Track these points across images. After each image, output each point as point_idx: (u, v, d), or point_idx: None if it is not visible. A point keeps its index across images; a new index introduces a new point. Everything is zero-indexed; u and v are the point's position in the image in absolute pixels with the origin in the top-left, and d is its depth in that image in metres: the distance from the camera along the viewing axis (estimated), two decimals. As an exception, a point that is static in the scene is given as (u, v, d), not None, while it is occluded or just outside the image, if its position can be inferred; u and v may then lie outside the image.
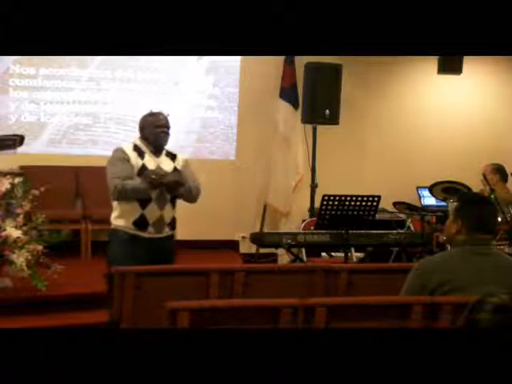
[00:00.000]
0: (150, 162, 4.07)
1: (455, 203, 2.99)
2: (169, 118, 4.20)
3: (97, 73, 6.89)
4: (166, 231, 4.07)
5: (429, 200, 7.05)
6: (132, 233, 4.01)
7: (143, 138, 4.14)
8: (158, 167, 4.06)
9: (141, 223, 3.98)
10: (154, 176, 3.92)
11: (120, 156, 4.06)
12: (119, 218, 4.07)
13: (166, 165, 4.11)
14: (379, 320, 2.78)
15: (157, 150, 4.12)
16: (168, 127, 4.15)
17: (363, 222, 5.10)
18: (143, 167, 4.01)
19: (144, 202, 3.97)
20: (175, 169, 4.11)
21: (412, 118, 7.73)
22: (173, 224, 4.12)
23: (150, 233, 4.00)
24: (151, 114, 4.18)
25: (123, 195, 3.98)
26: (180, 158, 4.21)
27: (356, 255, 6.01)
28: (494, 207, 3.18)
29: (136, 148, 4.10)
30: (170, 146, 4.23)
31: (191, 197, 4.14)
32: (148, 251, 3.97)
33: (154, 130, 4.09)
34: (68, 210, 6.31)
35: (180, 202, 4.15)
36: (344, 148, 7.50)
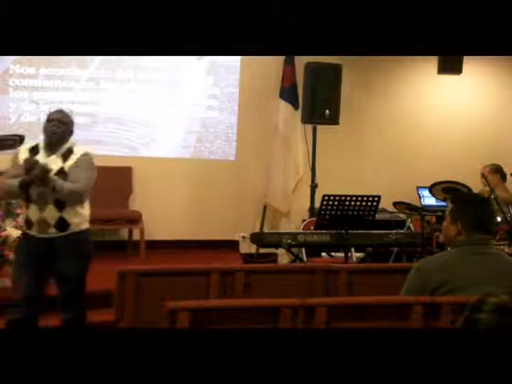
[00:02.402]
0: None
1: (450, 205, 2.99)
2: (70, 114, 4.07)
3: (97, 73, 6.89)
4: (52, 232, 3.94)
5: (429, 200, 7.05)
6: (26, 231, 4.03)
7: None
8: None
9: (27, 223, 3.98)
10: (27, 165, 3.83)
11: (12, 159, 4.03)
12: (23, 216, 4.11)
13: (54, 165, 3.92)
14: (379, 320, 2.78)
15: (50, 147, 3.97)
16: (60, 122, 3.98)
17: (363, 222, 5.10)
18: None
19: (27, 203, 3.94)
20: (61, 169, 3.92)
21: (412, 118, 7.73)
22: (61, 225, 3.95)
23: (34, 232, 3.96)
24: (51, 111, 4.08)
25: (4, 192, 4.02)
26: (74, 157, 3.98)
27: (356, 255, 6.01)
28: (492, 206, 3.18)
29: (34, 148, 4.01)
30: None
31: (67, 198, 3.92)
32: (40, 249, 3.97)
33: (44, 126, 3.99)
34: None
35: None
36: (344, 148, 7.50)
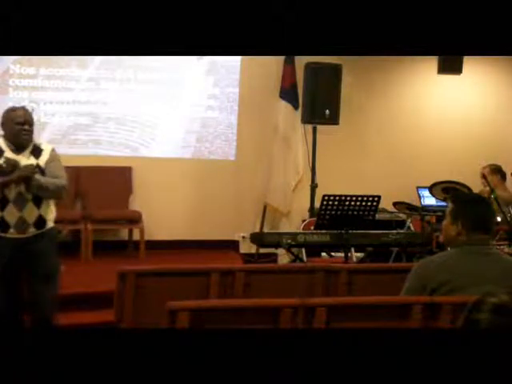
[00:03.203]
0: None
1: (450, 205, 2.99)
2: (33, 113, 4.04)
3: (97, 73, 6.88)
4: (32, 231, 3.93)
5: (429, 200, 7.05)
6: None
7: (4, 135, 3.99)
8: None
9: (2, 225, 3.89)
10: (3, 165, 3.79)
11: None
12: None
13: (28, 162, 3.91)
14: (379, 320, 2.78)
15: (18, 147, 3.94)
16: (30, 124, 3.95)
17: (363, 221, 5.11)
18: None
19: (2, 205, 3.87)
20: (37, 166, 3.91)
21: (412, 118, 7.73)
22: (40, 223, 3.95)
23: (12, 233, 3.91)
24: (12, 110, 4.02)
25: None
26: (46, 153, 3.99)
27: (356, 255, 6.01)
28: (492, 206, 3.18)
29: None
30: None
31: (51, 194, 3.95)
32: (14, 250, 3.92)
33: (13, 127, 3.92)
34: (68, 210, 6.31)
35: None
36: (344, 148, 7.49)
